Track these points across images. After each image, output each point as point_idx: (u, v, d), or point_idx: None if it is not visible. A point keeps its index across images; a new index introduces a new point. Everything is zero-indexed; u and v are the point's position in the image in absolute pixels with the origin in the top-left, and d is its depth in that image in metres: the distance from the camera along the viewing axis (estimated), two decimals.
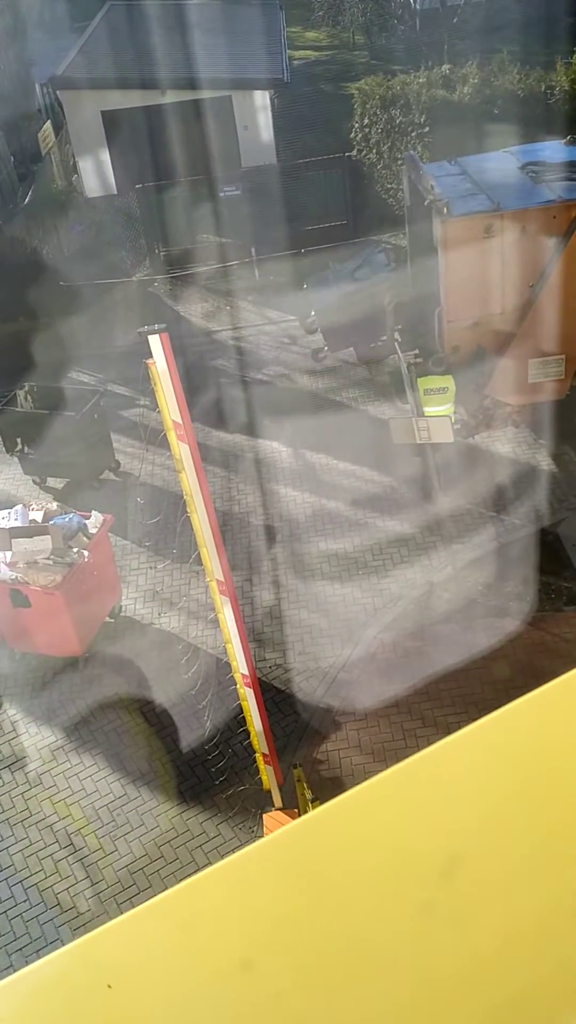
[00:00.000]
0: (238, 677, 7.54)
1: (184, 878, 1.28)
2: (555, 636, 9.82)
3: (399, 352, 12.04)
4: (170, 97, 19.41)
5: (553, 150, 12.51)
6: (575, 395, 12.04)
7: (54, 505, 10.82)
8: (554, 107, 17.78)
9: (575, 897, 1.11)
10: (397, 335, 12.22)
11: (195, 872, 1.26)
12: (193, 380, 12.94)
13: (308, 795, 7.80)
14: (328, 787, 8.46)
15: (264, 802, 8.33)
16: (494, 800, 1.22)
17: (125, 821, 8.66)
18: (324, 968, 1.12)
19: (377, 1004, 1.08)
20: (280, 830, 1.29)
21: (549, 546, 10.96)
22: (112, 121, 19.82)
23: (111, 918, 1.22)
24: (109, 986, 1.13)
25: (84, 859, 8.42)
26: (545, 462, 12.23)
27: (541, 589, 10.36)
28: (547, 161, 12.03)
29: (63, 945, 1.24)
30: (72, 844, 8.55)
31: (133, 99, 19.46)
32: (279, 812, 7.88)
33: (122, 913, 1.29)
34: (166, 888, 1.31)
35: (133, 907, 1.27)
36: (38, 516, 10.34)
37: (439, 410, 11.50)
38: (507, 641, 9.69)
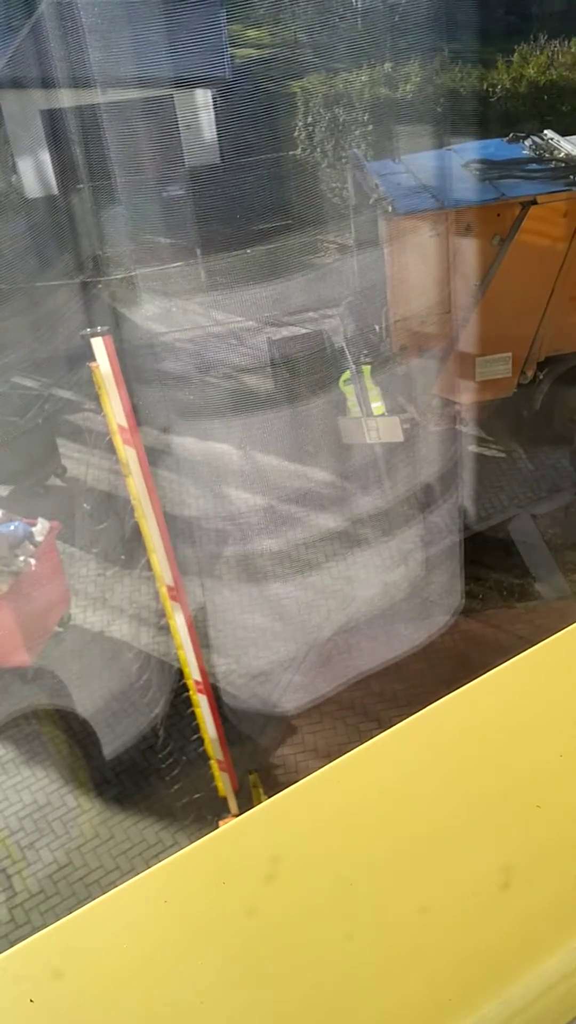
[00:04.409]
0: (191, 683, 7.45)
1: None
2: (508, 633, 9.86)
3: (347, 352, 12.04)
4: (111, 96, 19.19)
5: (496, 148, 12.58)
6: (522, 393, 12.11)
7: None
8: (496, 105, 17.91)
9: (484, 886, 1.13)
10: (345, 334, 12.21)
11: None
12: (139, 383, 12.78)
13: (264, 800, 7.73)
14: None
15: (220, 809, 8.24)
16: (428, 792, 1.27)
17: (79, 833, 8.50)
18: (258, 971, 1.11)
19: (308, 996, 1.08)
20: (206, 836, 1.32)
21: (499, 543, 11.01)
22: (52, 121, 19.54)
23: (34, 931, 1.19)
24: (31, 1000, 1.10)
25: (36, 872, 8.25)
26: (493, 460, 12.28)
27: (492, 586, 10.40)
28: (490, 159, 12.09)
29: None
30: (24, 857, 8.38)
31: (73, 98, 19.21)
32: (235, 818, 7.79)
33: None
34: None
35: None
36: None
37: (374, 406, 11.58)
38: (460, 639, 9.70)
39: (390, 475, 11.61)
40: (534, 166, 11.93)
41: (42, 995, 1.11)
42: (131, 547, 10.11)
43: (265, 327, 14.58)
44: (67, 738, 9.37)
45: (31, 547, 9.94)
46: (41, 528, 10.17)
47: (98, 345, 5.86)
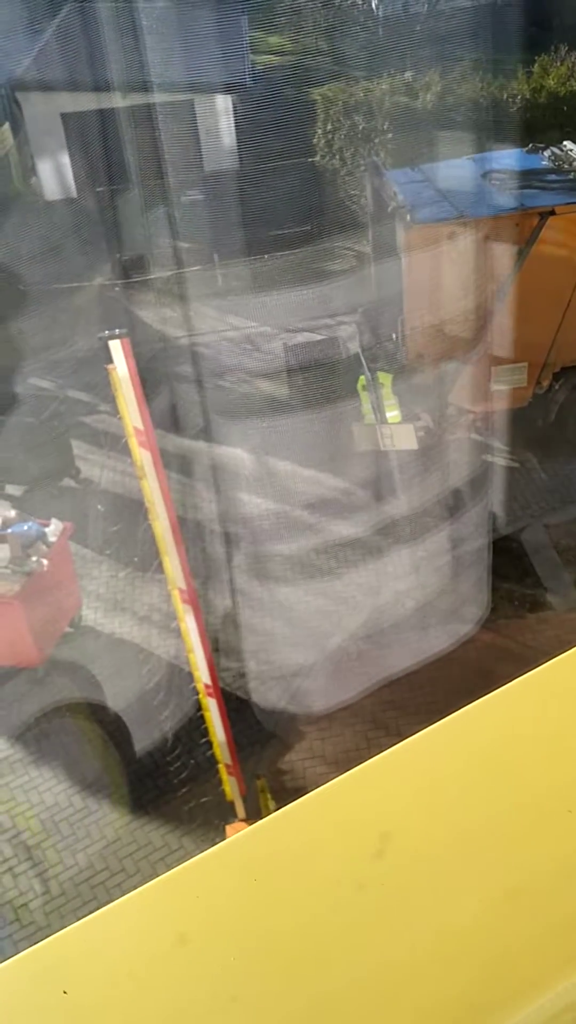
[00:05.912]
0: (200, 687, 7.45)
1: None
2: (519, 643, 9.82)
3: (363, 360, 12.05)
4: (131, 100, 19.26)
5: (515, 158, 12.58)
6: (537, 402, 12.09)
7: (12, 513, 10.63)
8: (516, 115, 17.89)
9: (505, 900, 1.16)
10: (361, 342, 12.22)
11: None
12: (154, 386, 12.80)
13: (272, 805, 7.72)
14: (291, 797, 8.33)
15: (227, 813, 8.22)
16: (444, 803, 1.29)
17: (86, 834, 8.50)
18: (288, 970, 1.14)
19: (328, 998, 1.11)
20: (237, 834, 1.34)
21: (512, 553, 10.98)
22: (72, 124, 19.62)
23: (65, 926, 1.20)
24: (64, 992, 1.11)
25: (42, 871, 8.26)
26: (507, 470, 12.24)
27: (504, 596, 10.36)
28: (509, 169, 12.10)
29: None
30: (31, 856, 8.39)
31: (93, 101, 19.29)
32: (242, 823, 7.78)
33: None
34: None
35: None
36: None
37: (390, 414, 11.58)
38: (471, 648, 9.66)
39: (404, 483, 11.59)
40: (553, 177, 11.93)
41: (77, 987, 1.12)
42: (144, 550, 10.12)
43: (281, 333, 14.58)
44: (73, 739, 9.38)
45: (44, 548, 9.96)
46: (54, 529, 10.19)
47: (115, 347, 5.87)
